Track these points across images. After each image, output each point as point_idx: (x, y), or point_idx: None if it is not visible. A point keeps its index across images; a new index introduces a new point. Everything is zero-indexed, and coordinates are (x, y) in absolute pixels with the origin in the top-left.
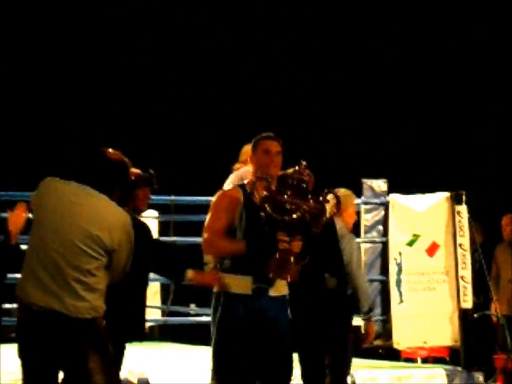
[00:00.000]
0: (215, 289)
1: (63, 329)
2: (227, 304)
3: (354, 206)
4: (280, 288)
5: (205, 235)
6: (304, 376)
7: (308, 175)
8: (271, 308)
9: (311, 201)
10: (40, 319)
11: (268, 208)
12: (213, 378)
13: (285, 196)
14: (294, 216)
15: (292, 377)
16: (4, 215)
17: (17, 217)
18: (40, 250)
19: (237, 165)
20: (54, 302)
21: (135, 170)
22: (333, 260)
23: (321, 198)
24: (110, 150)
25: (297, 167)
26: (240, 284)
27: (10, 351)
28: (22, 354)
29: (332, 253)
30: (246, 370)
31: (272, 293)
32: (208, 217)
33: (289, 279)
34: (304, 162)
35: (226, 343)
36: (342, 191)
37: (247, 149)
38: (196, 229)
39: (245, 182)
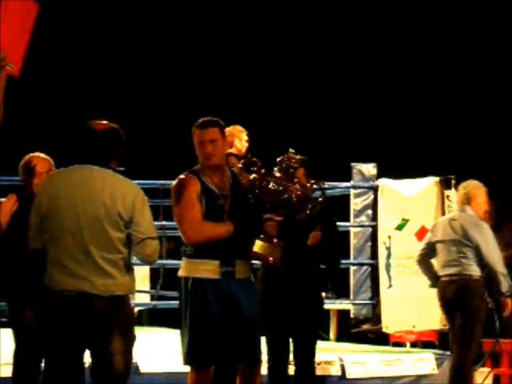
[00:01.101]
0: (180, 274)
1: (95, 309)
2: (196, 289)
3: (484, 196)
4: (245, 271)
5: (184, 226)
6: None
7: (296, 162)
8: (240, 291)
9: (297, 185)
10: (72, 302)
11: (257, 189)
12: (186, 363)
13: (273, 179)
14: (282, 197)
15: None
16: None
17: (7, 208)
18: (61, 238)
19: None
20: (84, 284)
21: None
22: (330, 252)
23: (307, 185)
24: (97, 121)
25: (286, 154)
26: (207, 269)
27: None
28: (53, 338)
29: (329, 246)
30: (218, 353)
31: (239, 275)
32: (178, 208)
33: (272, 262)
34: (292, 150)
35: (199, 327)
36: (472, 183)
37: (230, 131)
38: None
39: (195, 168)
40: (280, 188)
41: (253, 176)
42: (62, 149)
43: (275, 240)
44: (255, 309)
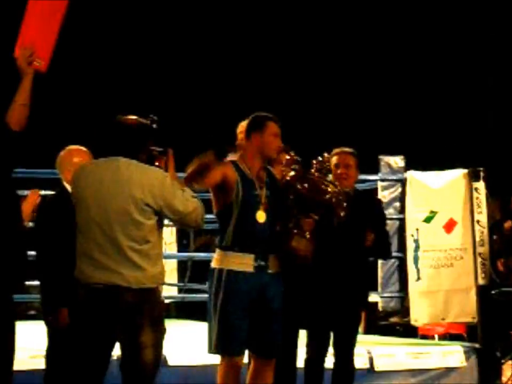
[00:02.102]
0: (214, 265)
1: (125, 302)
2: (230, 281)
3: None
4: (276, 265)
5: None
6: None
7: (329, 165)
8: (271, 284)
9: (335, 187)
10: (102, 295)
11: (299, 187)
12: (211, 351)
13: (316, 178)
14: (327, 196)
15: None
16: (25, 192)
17: (29, 204)
18: (89, 231)
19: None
20: (113, 277)
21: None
22: (382, 245)
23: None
24: (127, 116)
25: (320, 158)
26: (242, 262)
27: (27, 327)
28: (83, 331)
29: (381, 238)
30: (246, 342)
31: (271, 270)
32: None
33: (303, 257)
34: (326, 155)
35: (230, 316)
36: None
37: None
38: None
39: (235, 159)
40: (323, 187)
41: (293, 173)
42: (92, 142)
43: (308, 237)
44: (281, 303)
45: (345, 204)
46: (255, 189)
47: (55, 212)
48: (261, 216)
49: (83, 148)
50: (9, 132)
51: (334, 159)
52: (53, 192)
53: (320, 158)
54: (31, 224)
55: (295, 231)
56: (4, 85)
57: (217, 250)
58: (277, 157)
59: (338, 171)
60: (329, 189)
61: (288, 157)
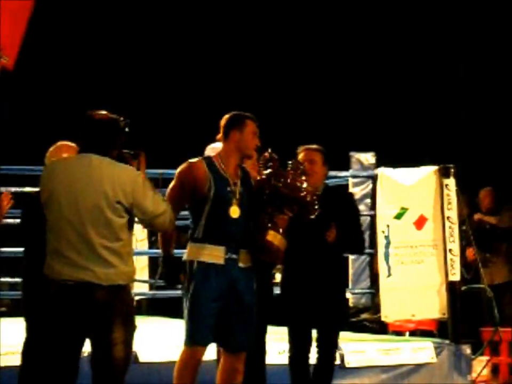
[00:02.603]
0: (185, 258)
1: (96, 299)
2: (199, 272)
3: None
4: (248, 260)
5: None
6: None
7: (304, 167)
8: (242, 278)
9: (308, 186)
10: (72, 292)
11: (274, 183)
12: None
13: (291, 176)
14: (301, 194)
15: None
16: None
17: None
18: (61, 229)
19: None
20: (84, 274)
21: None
22: (356, 239)
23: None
24: (97, 111)
25: (297, 157)
26: (212, 254)
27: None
28: (53, 327)
29: (354, 233)
30: (212, 335)
31: (242, 264)
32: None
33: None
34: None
35: (198, 308)
36: None
37: None
38: None
39: (211, 155)
40: (298, 185)
41: (270, 170)
42: (64, 139)
43: (281, 233)
44: (253, 298)
45: (316, 204)
46: (229, 185)
47: (40, 208)
48: (234, 212)
49: (72, 144)
50: None
51: (300, 156)
52: (38, 189)
53: (294, 160)
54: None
55: (269, 225)
56: None
57: (189, 243)
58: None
59: None
60: (304, 187)
61: (266, 154)
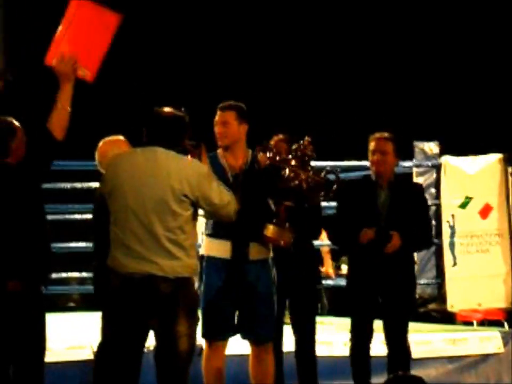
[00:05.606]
0: (200, 252)
1: (161, 291)
2: (209, 267)
3: None
4: (260, 252)
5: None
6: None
7: (312, 150)
8: (253, 271)
9: (310, 173)
10: (137, 285)
11: (269, 175)
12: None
13: (288, 165)
14: (292, 184)
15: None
16: (63, 185)
17: None
18: (126, 220)
19: None
20: (149, 266)
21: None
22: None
23: (322, 174)
24: (164, 108)
25: (302, 141)
26: (219, 248)
27: (66, 319)
28: (117, 320)
29: (421, 229)
30: (226, 328)
31: (253, 256)
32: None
33: (284, 245)
34: (308, 138)
35: (209, 302)
36: None
37: None
38: None
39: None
40: (291, 175)
41: (267, 162)
42: (131, 134)
43: (286, 225)
44: (269, 289)
45: (317, 190)
46: (227, 177)
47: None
48: None
49: (121, 137)
50: (53, 141)
51: (371, 145)
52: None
53: (298, 143)
54: None
55: (274, 220)
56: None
57: (205, 238)
58: (277, 146)
59: (375, 157)
60: (302, 176)
61: (258, 147)
